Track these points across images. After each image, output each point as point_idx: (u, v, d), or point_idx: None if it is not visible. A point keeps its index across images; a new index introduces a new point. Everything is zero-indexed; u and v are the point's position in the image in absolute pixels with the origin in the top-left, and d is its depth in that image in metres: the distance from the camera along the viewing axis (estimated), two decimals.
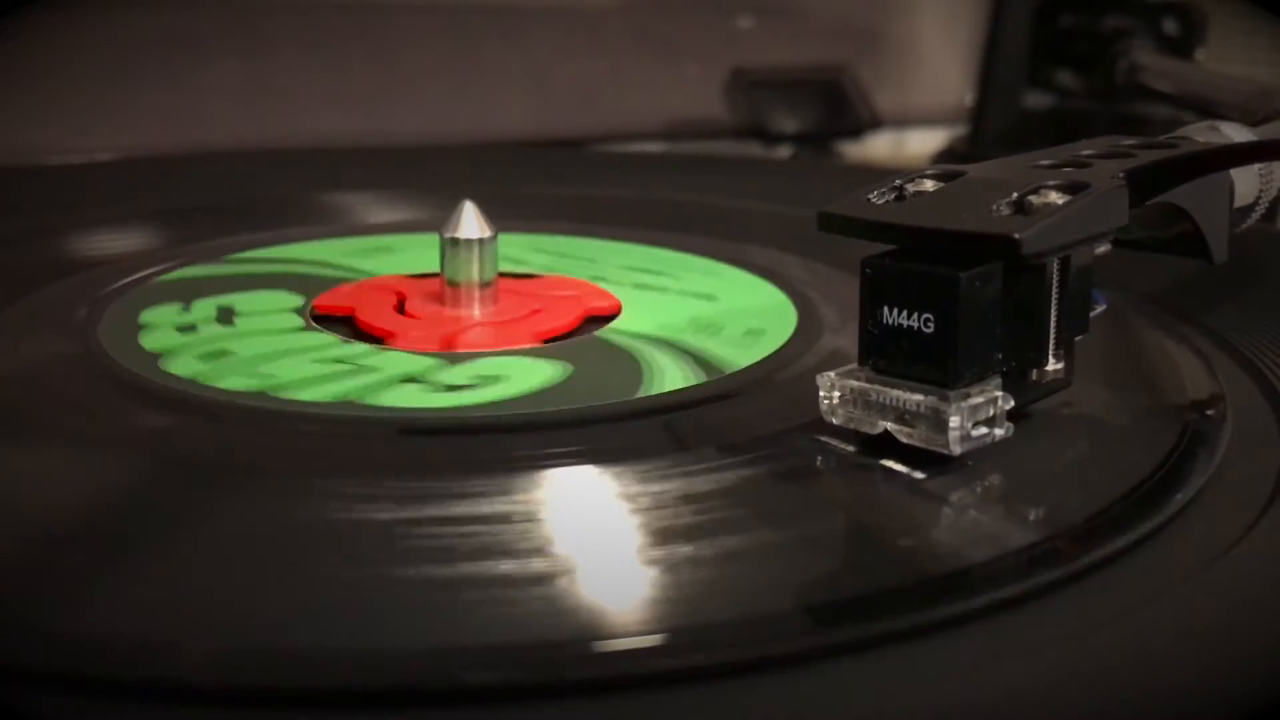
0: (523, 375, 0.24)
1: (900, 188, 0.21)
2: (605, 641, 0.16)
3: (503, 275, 0.30)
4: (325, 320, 0.28)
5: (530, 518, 0.19)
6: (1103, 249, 0.22)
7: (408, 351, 0.26)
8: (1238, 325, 0.29)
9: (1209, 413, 0.23)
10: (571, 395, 0.23)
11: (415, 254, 0.33)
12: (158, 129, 0.54)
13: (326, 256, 0.33)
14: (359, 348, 0.26)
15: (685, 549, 0.18)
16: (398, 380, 0.24)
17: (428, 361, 0.25)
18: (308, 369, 0.25)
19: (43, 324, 0.27)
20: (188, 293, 0.30)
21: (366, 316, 0.28)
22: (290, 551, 0.18)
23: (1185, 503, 0.20)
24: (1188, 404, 0.24)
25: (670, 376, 0.24)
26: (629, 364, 0.25)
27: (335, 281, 0.31)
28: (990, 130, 0.61)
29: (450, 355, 0.26)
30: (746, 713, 0.15)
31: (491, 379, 0.24)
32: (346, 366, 0.25)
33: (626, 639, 0.16)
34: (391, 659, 0.15)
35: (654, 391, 0.24)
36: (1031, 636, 0.16)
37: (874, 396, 0.20)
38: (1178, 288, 0.32)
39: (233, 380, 0.24)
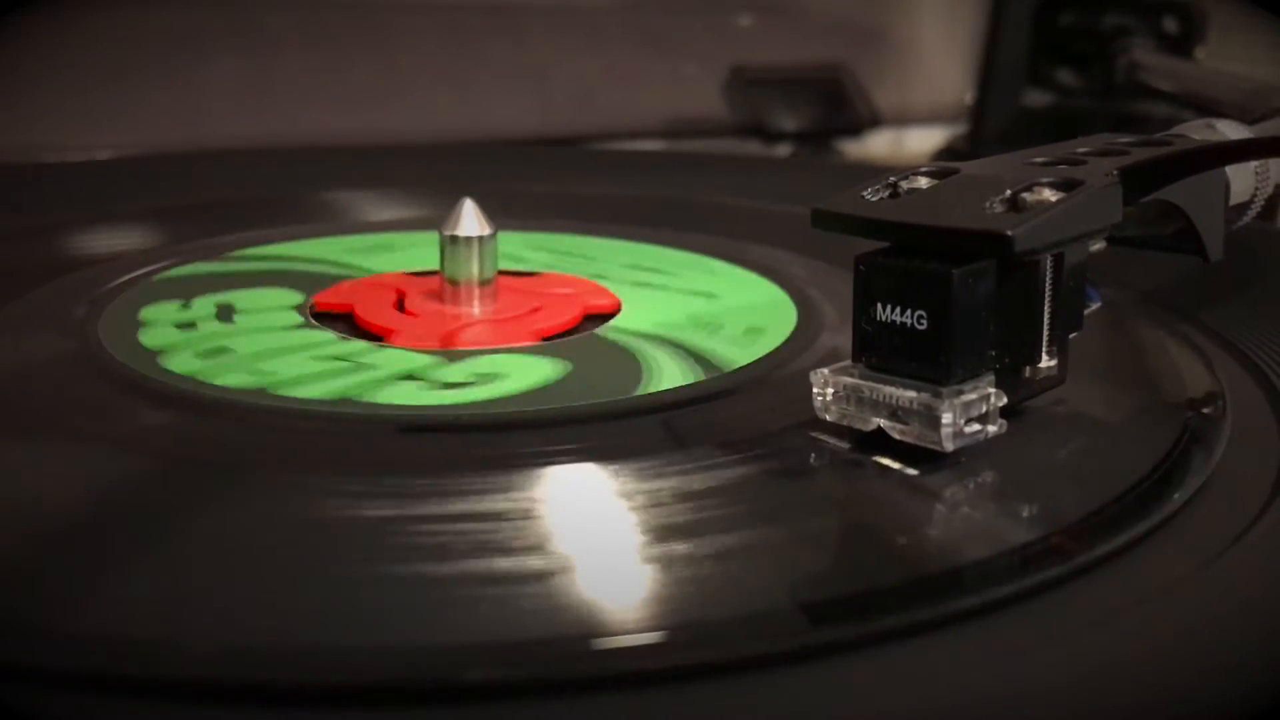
0: (521, 373, 0.24)
1: (894, 185, 0.21)
2: (601, 640, 0.16)
3: (503, 273, 0.30)
4: (325, 317, 0.28)
5: (528, 516, 0.19)
6: (1097, 246, 0.22)
7: (407, 349, 0.26)
8: (1237, 324, 0.29)
9: (1208, 411, 0.23)
10: (570, 393, 0.23)
11: (415, 251, 0.33)
12: (158, 127, 0.55)
13: (327, 254, 0.33)
14: (357, 345, 0.26)
15: (679, 547, 0.18)
16: (396, 378, 0.24)
17: (426, 359, 0.25)
18: (306, 366, 0.25)
19: (42, 323, 0.27)
20: (188, 290, 0.30)
21: (366, 314, 0.28)
22: (290, 549, 0.18)
23: (1184, 501, 0.20)
24: (1186, 402, 0.24)
25: (669, 374, 0.25)
26: (628, 362, 0.25)
27: (336, 279, 0.31)
28: (990, 129, 0.61)
29: (449, 353, 0.26)
30: (742, 711, 0.15)
31: (490, 376, 0.24)
32: (345, 364, 0.25)
33: (622, 637, 0.16)
34: (389, 657, 0.15)
35: (652, 389, 0.24)
36: (1028, 635, 0.16)
37: (867, 393, 0.20)
38: (1176, 286, 0.32)
39: (231, 377, 0.24)
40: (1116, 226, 0.21)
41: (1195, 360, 0.26)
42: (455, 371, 0.24)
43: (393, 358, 0.25)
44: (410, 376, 0.24)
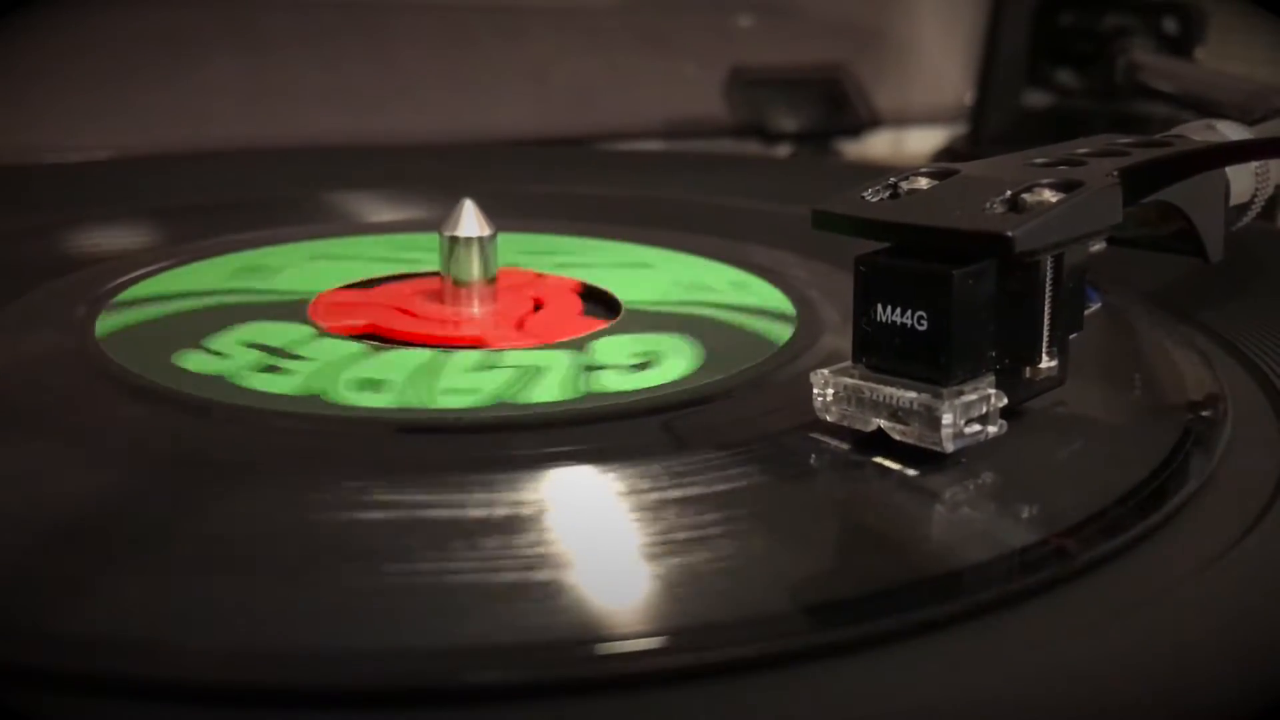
0: (673, 351, 0.26)
1: (895, 185, 0.21)
2: (601, 642, 0.16)
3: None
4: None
5: (528, 517, 0.19)
6: (1098, 247, 0.23)
7: (531, 349, 0.26)
8: (1238, 325, 0.29)
9: (1208, 412, 0.23)
10: (726, 364, 0.25)
11: (296, 271, 0.32)
12: (157, 127, 0.55)
13: (206, 284, 0.30)
14: (473, 355, 0.25)
15: (679, 548, 0.18)
16: (586, 368, 0.24)
17: (570, 354, 0.25)
18: (480, 381, 0.24)
19: (42, 323, 0.27)
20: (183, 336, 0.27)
21: (409, 327, 0.27)
22: (290, 551, 0.18)
23: (1184, 502, 0.20)
24: (1187, 403, 0.24)
25: (779, 330, 0.27)
26: (735, 331, 0.27)
27: (282, 305, 0.29)
28: (990, 129, 0.61)
29: (576, 342, 0.26)
30: (743, 712, 0.15)
31: (651, 355, 0.25)
32: (509, 370, 0.24)
33: (622, 638, 0.16)
34: (389, 658, 0.15)
35: (784, 340, 0.26)
36: (1028, 636, 0.16)
37: (867, 394, 0.20)
38: (1177, 287, 0.32)
39: (448, 399, 0.23)
40: (1117, 227, 0.21)
41: (1196, 361, 0.26)
42: (617, 354, 0.25)
43: (536, 357, 0.25)
44: (591, 367, 0.24)
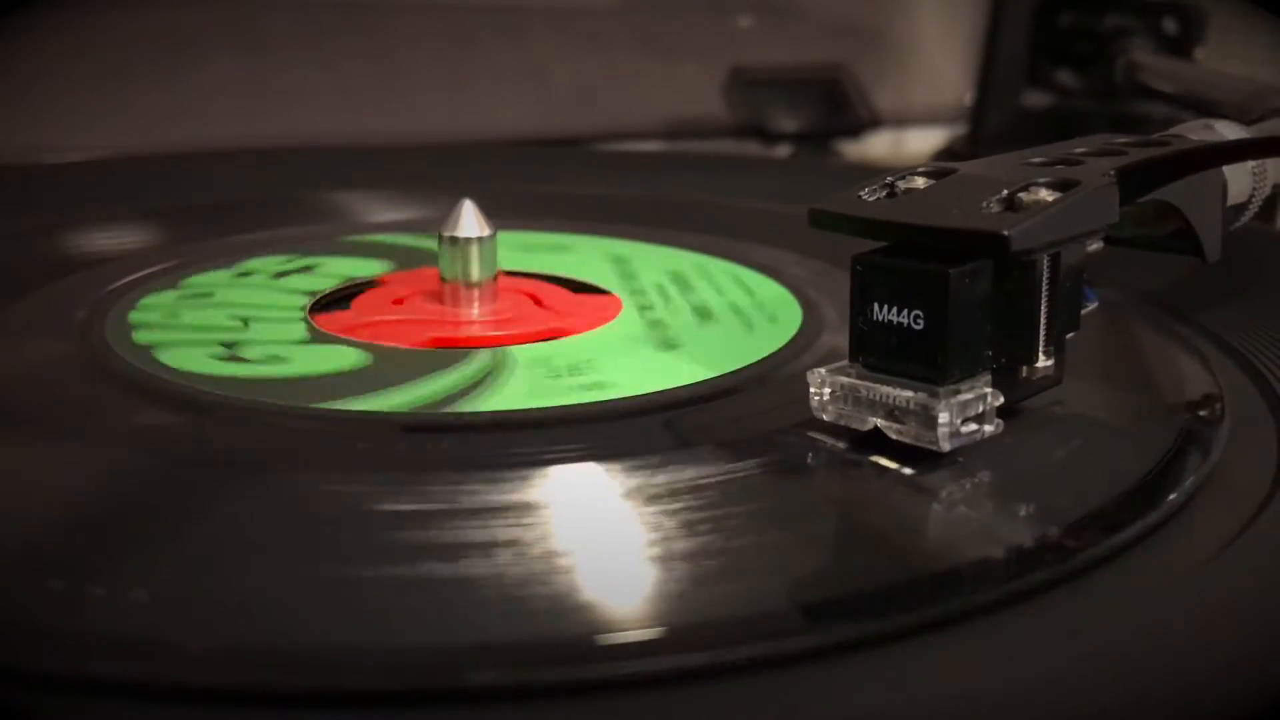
0: (313, 360, 0.25)
1: (892, 185, 0.21)
2: (598, 641, 0.16)
3: (585, 288, 0.31)
4: (346, 296, 0.30)
5: (527, 516, 0.19)
6: (1095, 246, 0.23)
7: (302, 327, 0.27)
8: (1235, 325, 0.29)
9: (1206, 412, 0.23)
10: (335, 386, 0.24)
11: (584, 254, 0.34)
12: (157, 127, 0.55)
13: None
14: (291, 319, 0.28)
15: (677, 547, 0.18)
16: (213, 344, 0.26)
17: (286, 337, 0.27)
18: (203, 317, 0.28)
19: (43, 324, 0.28)
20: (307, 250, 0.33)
21: (359, 301, 0.29)
22: (290, 550, 0.18)
23: (1182, 502, 0.20)
24: (1185, 403, 0.24)
25: (441, 383, 0.24)
26: (430, 363, 0.25)
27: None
28: (990, 129, 0.61)
29: (316, 335, 0.27)
30: (741, 711, 0.15)
31: (279, 359, 0.25)
32: (231, 325, 0.27)
33: (621, 638, 0.16)
34: (389, 658, 0.15)
35: (417, 390, 0.23)
36: (1026, 636, 0.16)
37: (864, 393, 0.20)
38: (1176, 287, 0.32)
39: (141, 335, 0.26)
40: (1114, 227, 0.21)
41: (1193, 361, 0.26)
42: (257, 350, 0.26)
43: (264, 332, 0.27)
44: (227, 345, 0.26)
